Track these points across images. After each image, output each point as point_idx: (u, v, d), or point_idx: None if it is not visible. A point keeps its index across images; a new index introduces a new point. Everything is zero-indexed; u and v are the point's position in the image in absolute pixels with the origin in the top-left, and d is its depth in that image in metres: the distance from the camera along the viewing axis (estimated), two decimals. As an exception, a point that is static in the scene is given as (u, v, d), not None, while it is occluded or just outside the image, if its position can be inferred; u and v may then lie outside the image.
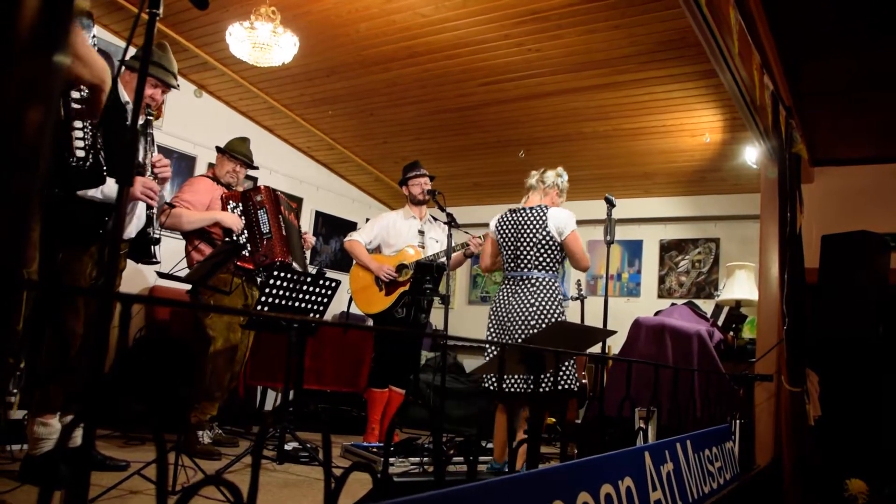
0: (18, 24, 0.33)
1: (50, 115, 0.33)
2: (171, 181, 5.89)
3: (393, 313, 4.95)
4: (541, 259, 4.03)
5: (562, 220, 4.05)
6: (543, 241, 4.02)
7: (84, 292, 1.87)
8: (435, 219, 5.34)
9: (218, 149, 4.62)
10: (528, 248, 4.04)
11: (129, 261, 3.49)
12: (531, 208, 4.13)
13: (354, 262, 5.16)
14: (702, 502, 2.80)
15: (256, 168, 4.83)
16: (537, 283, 4.00)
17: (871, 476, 4.26)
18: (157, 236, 3.27)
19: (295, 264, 4.32)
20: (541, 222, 4.04)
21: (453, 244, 4.71)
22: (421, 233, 5.18)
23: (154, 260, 3.25)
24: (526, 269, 4.03)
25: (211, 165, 5.07)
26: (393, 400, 5.03)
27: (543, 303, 3.96)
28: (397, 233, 5.14)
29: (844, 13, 3.96)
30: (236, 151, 4.56)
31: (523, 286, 4.01)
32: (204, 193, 4.35)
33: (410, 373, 5.16)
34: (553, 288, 4.02)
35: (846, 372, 4.58)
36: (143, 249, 3.43)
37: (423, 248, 5.12)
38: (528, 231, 4.06)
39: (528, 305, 3.96)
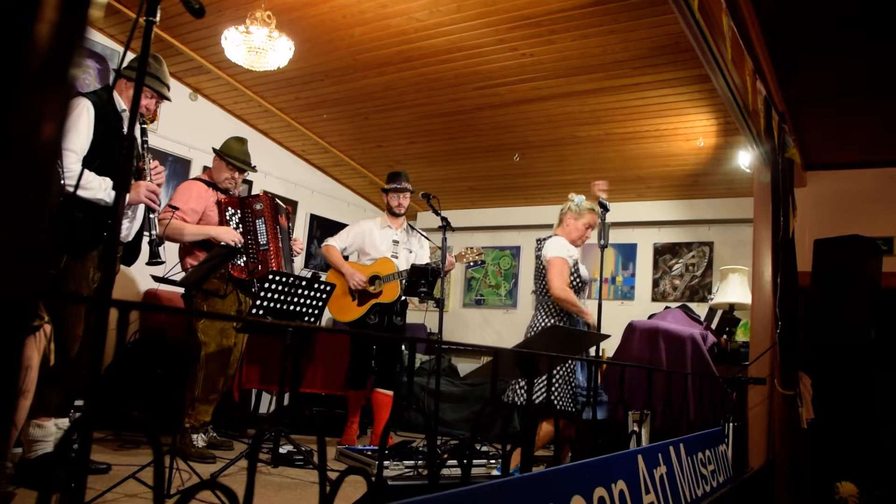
0: (33, 44, 0.34)
1: (61, 134, 0.35)
2: (165, 184, 5.91)
3: (366, 320, 5.06)
4: (538, 284, 4.31)
5: (547, 246, 4.26)
6: (538, 268, 4.30)
7: (81, 300, 1.87)
8: (412, 228, 5.44)
9: (215, 151, 4.55)
10: (534, 276, 4.40)
11: (124, 264, 3.52)
12: (539, 239, 4.43)
13: (330, 268, 5.26)
14: (694, 505, 2.82)
15: (255, 171, 4.79)
16: (535, 306, 4.31)
17: (862, 479, 4.29)
18: (160, 238, 3.32)
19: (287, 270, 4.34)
20: (539, 251, 4.32)
21: (430, 257, 4.91)
22: (396, 242, 5.27)
23: (160, 260, 3.28)
24: (534, 294, 4.44)
25: (206, 168, 5.04)
26: (382, 403, 5.08)
27: (534, 321, 4.23)
28: (373, 242, 5.26)
29: (837, 19, 3.98)
30: (235, 156, 4.45)
31: (534, 309, 4.34)
32: (197, 200, 4.32)
33: (392, 373, 5.23)
34: (544, 308, 4.21)
35: (838, 375, 4.61)
36: (136, 252, 3.49)
37: (396, 258, 5.21)
38: (536, 260, 4.38)
39: (527, 327, 4.30)
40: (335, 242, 5.24)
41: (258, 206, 4.33)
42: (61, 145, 0.36)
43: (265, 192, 4.48)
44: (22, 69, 0.32)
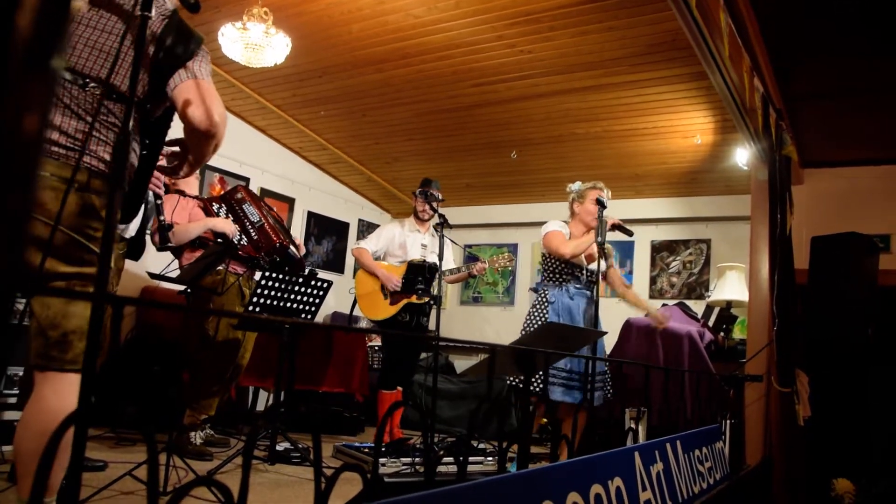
0: (14, 34, 0.33)
1: (45, 128, 0.34)
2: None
3: (397, 318, 5.05)
4: (543, 271, 4.35)
5: (543, 230, 4.28)
6: (542, 254, 4.36)
7: (75, 295, 1.85)
8: (437, 231, 5.45)
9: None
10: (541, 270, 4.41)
11: (130, 258, 3.50)
12: None
13: (361, 267, 5.25)
14: (692, 502, 2.82)
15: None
16: (536, 294, 4.33)
17: (859, 476, 4.29)
18: (170, 224, 3.28)
19: (292, 248, 4.32)
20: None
21: (456, 266, 5.10)
22: (423, 246, 5.30)
23: (170, 244, 3.23)
24: (531, 291, 4.49)
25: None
26: (391, 399, 5.11)
27: (529, 310, 4.28)
28: (402, 245, 5.27)
29: (835, 17, 3.98)
30: None
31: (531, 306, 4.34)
32: (182, 209, 4.35)
33: (410, 374, 5.23)
34: (539, 296, 4.26)
35: (835, 372, 4.61)
36: (141, 246, 3.46)
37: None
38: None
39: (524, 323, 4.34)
40: (367, 245, 5.25)
41: (238, 195, 4.35)
42: (44, 137, 0.35)
43: (241, 186, 4.52)
44: (2, 60, 0.32)
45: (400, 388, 5.13)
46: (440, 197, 5.29)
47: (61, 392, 1.88)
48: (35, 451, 1.81)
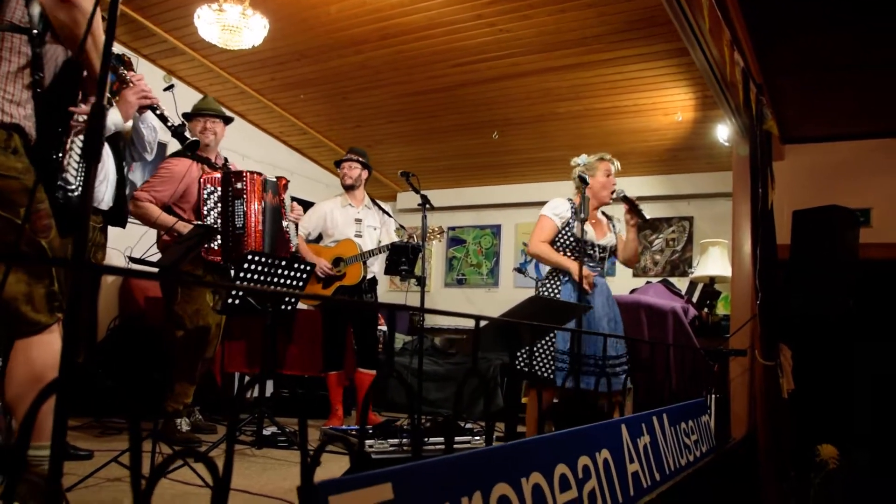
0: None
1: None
2: (144, 168, 5.83)
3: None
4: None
5: (542, 210, 4.17)
6: None
7: (53, 262, 1.80)
8: (375, 203, 5.37)
9: (184, 115, 4.34)
10: None
11: (117, 225, 3.46)
12: None
13: None
14: (679, 474, 2.84)
15: (231, 119, 4.63)
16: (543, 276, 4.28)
17: (842, 442, 4.34)
18: (182, 124, 3.18)
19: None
20: None
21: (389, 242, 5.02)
22: (358, 221, 5.21)
23: (192, 139, 3.05)
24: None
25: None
26: (365, 383, 5.05)
27: (538, 287, 4.24)
28: (335, 223, 5.20)
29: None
30: (197, 107, 4.42)
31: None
32: (176, 178, 4.17)
33: (374, 352, 5.18)
34: (550, 274, 4.15)
35: (818, 345, 4.65)
36: (122, 214, 3.39)
37: (360, 237, 5.16)
38: None
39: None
40: (299, 230, 5.18)
41: (239, 186, 4.16)
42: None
43: (251, 172, 4.26)
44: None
45: (361, 370, 5.10)
46: (361, 159, 5.24)
47: (39, 347, 1.98)
48: (20, 396, 1.96)
